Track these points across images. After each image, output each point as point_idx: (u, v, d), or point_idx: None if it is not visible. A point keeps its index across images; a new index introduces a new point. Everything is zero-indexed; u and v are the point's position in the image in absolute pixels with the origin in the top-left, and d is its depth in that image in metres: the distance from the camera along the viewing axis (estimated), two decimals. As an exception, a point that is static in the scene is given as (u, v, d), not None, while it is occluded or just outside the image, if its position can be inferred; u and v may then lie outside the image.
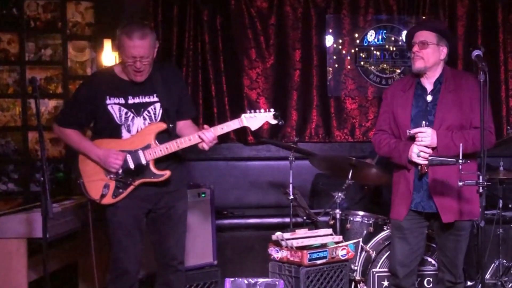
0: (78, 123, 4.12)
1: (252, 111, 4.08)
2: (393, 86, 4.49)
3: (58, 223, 4.31)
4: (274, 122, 4.09)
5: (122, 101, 4.05)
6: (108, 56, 6.27)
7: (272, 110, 4.09)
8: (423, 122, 4.03)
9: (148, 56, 3.97)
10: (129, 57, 3.94)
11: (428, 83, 4.18)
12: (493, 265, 5.29)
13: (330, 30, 6.91)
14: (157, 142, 4.03)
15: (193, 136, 4.02)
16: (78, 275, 5.33)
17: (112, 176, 4.02)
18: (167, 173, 4.05)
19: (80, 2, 6.47)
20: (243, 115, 4.06)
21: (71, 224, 4.60)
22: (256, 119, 4.05)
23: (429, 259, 4.94)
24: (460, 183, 3.62)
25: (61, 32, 6.47)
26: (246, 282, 4.32)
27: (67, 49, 6.46)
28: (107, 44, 6.28)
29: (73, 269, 5.31)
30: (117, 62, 6.15)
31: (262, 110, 4.08)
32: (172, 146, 4.01)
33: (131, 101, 4.06)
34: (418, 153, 4.00)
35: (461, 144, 3.73)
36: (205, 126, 4.07)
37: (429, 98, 4.14)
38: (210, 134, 4.00)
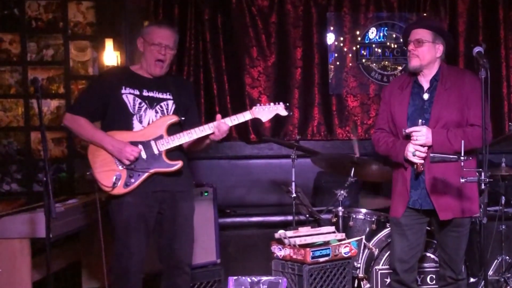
0: (91, 112, 4.11)
1: (262, 104, 4.14)
2: (391, 84, 4.49)
3: (61, 223, 4.31)
4: (285, 113, 4.15)
5: (137, 92, 4.10)
6: (110, 56, 6.29)
7: (281, 103, 4.16)
8: (420, 120, 4.03)
9: (172, 49, 4.14)
10: (155, 44, 4.07)
11: (424, 81, 4.18)
12: (496, 261, 5.28)
13: (331, 28, 6.91)
14: (168, 134, 4.06)
15: (206, 126, 4.05)
16: (81, 274, 5.34)
17: (124, 166, 4.02)
18: (179, 163, 4.06)
19: (81, 2, 6.47)
20: (254, 107, 4.12)
21: (74, 223, 4.62)
22: (267, 111, 4.12)
23: (432, 256, 4.95)
24: (462, 180, 3.62)
25: (62, 32, 6.47)
26: (249, 280, 4.33)
27: (69, 49, 6.47)
28: (109, 43, 6.29)
29: (76, 268, 5.33)
30: (119, 62, 6.20)
31: (272, 104, 4.14)
32: (184, 137, 4.04)
33: (145, 93, 4.11)
34: (414, 152, 4.01)
35: (462, 141, 3.73)
36: (218, 116, 4.10)
37: (425, 96, 4.15)
38: (224, 126, 4.05)
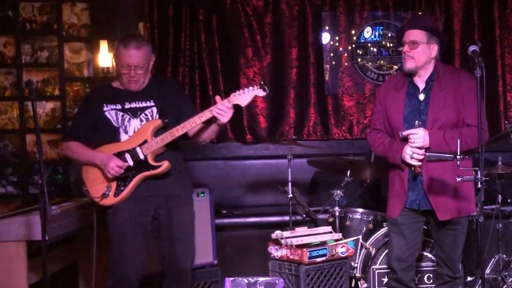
0: (83, 136, 4.20)
1: (241, 89, 4.07)
2: (386, 84, 4.44)
3: (57, 225, 4.31)
4: (262, 94, 4.06)
5: (118, 106, 4.15)
6: (105, 57, 6.28)
7: (258, 84, 4.08)
8: (416, 121, 4.02)
9: (143, 66, 4.11)
10: (124, 66, 4.08)
11: (420, 82, 4.16)
12: (493, 259, 5.29)
13: (327, 28, 6.90)
14: (153, 138, 4.07)
15: (185, 123, 4.04)
16: (78, 276, 5.33)
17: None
18: (165, 163, 4.06)
19: (76, 3, 6.46)
20: (232, 94, 4.06)
21: (71, 226, 4.60)
22: (245, 95, 4.04)
23: (429, 255, 4.95)
24: (458, 179, 3.63)
25: (57, 34, 6.45)
26: (246, 281, 4.33)
27: (64, 51, 6.45)
28: (103, 45, 6.28)
29: (73, 270, 5.31)
30: (114, 63, 6.18)
31: (250, 87, 4.06)
32: (166, 137, 4.05)
33: (127, 106, 4.15)
34: (412, 154, 4.00)
35: (458, 140, 3.72)
36: (217, 97, 4.07)
37: (421, 96, 4.13)
38: (197, 120, 4.02)
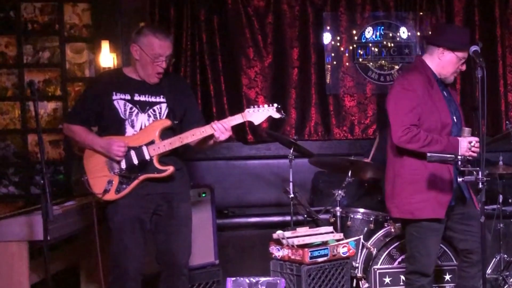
0: (86, 120, 4.14)
1: (256, 106, 4.08)
2: (419, 79, 4.16)
3: (59, 225, 4.29)
4: (277, 116, 4.08)
5: (128, 97, 4.08)
6: (106, 58, 6.28)
7: (275, 104, 4.09)
8: (454, 117, 4.14)
9: (171, 56, 4.13)
10: (157, 56, 4.02)
11: (440, 81, 4.23)
12: (494, 260, 5.28)
13: (328, 28, 6.91)
14: (161, 139, 4.04)
15: (195, 131, 4.03)
16: (80, 276, 5.34)
17: (116, 171, 4.03)
18: (170, 168, 4.04)
19: (77, 4, 6.48)
20: (246, 110, 4.07)
21: (73, 226, 4.59)
22: (259, 113, 4.05)
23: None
24: (460, 179, 3.63)
25: (58, 34, 6.48)
26: (247, 281, 4.33)
27: (65, 51, 6.47)
28: (105, 45, 6.29)
29: (75, 270, 5.32)
30: (115, 63, 6.19)
31: (266, 105, 4.07)
32: (175, 141, 4.03)
33: (137, 98, 4.09)
34: (470, 147, 3.95)
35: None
36: (215, 122, 4.08)
37: (445, 93, 4.21)
38: (208, 130, 4.03)
